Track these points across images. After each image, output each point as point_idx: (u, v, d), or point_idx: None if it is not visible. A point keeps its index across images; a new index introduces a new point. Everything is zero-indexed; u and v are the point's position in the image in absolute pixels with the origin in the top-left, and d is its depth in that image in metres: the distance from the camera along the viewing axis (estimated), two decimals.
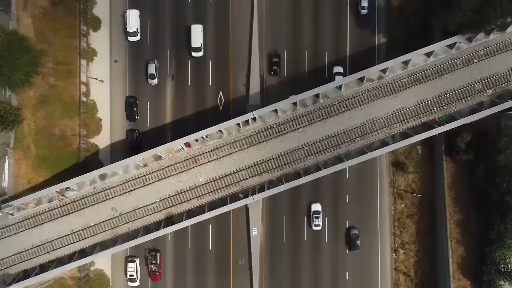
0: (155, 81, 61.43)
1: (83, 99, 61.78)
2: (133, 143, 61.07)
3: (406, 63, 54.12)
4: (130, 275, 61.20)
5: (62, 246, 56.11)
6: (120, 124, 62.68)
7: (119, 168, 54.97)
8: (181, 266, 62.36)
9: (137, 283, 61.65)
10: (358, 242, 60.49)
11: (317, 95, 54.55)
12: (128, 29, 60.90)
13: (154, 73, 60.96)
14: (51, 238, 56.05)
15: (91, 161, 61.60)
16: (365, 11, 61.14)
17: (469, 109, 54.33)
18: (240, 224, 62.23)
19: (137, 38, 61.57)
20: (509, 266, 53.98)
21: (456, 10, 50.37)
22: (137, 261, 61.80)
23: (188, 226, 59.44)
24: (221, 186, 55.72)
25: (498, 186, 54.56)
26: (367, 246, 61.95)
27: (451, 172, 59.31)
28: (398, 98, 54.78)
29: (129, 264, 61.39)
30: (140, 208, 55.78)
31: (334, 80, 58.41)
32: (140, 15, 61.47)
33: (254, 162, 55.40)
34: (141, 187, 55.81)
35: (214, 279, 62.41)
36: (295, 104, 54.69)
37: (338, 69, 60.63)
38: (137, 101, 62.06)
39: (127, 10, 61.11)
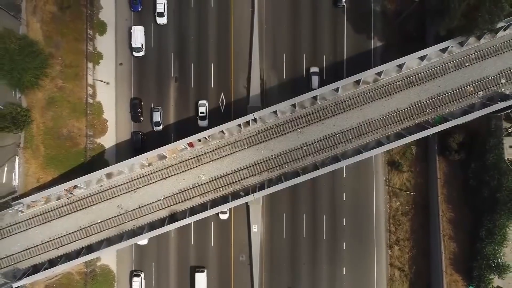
0: (159, 128, 63.14)
1: (90, 100, 63.33)
2: (137, 144, 62.65)
3: (400, 66, 55.24)
4: None
5: (70, 242, 57.33)
6: (125, 125, 64.20)
7: (124, 167, 56.24)
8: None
9: None
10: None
11: (315, 97, 55.73)
12: (133, 45, 62.61)
13: (159, 120, 62.64)
14: (60, 235, 57.29)
15: (97, 161, 63.06)
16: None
17: (461, 110, 55.37)
18: (241, 221, 63.60)
19: (142, 53, 63.28)
20: (499, 261, 55.57)
21: (446, 16, 51.72)
22: (142, 275, 63.26)
23: (191, 224, 61.06)
24: (222, 185, 56.72)
25: (488, 184, 56.03)
26: (363, 242, 63.41)
27: (444, 171, 60.54)
28: (393, 100, 55.91)
29: (134, 279, 62.85)
30: (145, 205, 56.95)
31: (310, 80, 61.97)
32: (144, 31, 63.21)
33: (254, 162, 56.52)
34: (146, 185, 56.92)
35: (215, 274, 63.84)
36: (294, 105, 55.81)
37: (314, 69, 62.77)
38: (142, 103, 63.67)
39: (132, 27, 62.84)
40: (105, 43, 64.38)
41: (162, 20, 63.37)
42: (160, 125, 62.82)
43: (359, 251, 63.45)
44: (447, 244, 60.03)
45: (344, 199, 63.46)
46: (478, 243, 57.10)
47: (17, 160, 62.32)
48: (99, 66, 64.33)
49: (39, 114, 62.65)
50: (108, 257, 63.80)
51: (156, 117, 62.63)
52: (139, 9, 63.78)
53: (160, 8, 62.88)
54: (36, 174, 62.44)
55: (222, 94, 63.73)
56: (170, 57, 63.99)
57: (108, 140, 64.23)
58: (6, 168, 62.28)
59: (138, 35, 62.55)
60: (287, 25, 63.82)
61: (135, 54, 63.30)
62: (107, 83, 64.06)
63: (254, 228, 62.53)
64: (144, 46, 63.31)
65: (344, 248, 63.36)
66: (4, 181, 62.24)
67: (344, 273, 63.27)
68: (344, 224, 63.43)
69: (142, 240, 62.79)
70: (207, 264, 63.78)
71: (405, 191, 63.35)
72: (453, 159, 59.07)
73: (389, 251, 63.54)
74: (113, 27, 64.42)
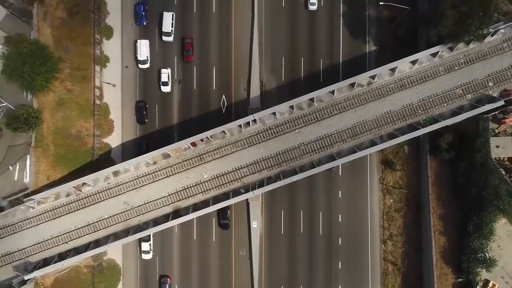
0: None
1: (97, 102, 65.38)
2: (142, 153, 62.10)
3: (393, 70, 57.32)
4: None
5: (79, 237, 59.64)
6: (130, 125, 66.33)
7: (131, 166, 58.49)
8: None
9: None
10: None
11: (312, 99, 57.83)
12: (139, 58, 64.63)
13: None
14: (69, 230, 59.57)
15: (104, 159, 65.13)
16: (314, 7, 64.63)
17: (451, 112, 57.55)
18: (241, 217, 65.67)
19: (147, 65, 65.35)
20: (486, 255, 57.65)
21: (439, 24, 53.87)
22: None
23: (193, 219, 63.33)
24: (224, 182, 58.94)
25: (476, 182, 58.19)
26: (358, 238, 65.49)
27: (435, 169, 62.39)
28: (386, 102, 58.04)
29: None
30: (150, 202, 59.17)
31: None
32: (149, 44, 65.17)
33: (254, 160, 58.67)
34: (151, 183, 59.18)
35: (216, 269, 65.99)
36: (292, 107, 57.96)
37: None
38: (147, 105, 65.71)
39: (138, 40, 64.79)
40: (112, 47, 66.40)
41: (166, 89, 65.27)
42: None
43: (354, 246, 65.41)
44: (438, 239, 61.88)
45: (340, 196, 65.42)
46: (466, 237, 59.06)
47: (28, 159, 64.19)
48: (106, 69, 66.34)
49: (49, 115, 64.74)
50: (114, 252, 65.84)
51: None
52: (144, 23, 65.68)
53: (164, 78, 64.74)
54: (47, 172, 64.46)
55: (223, 96, 65.76)
56: (173, 61, 66.06)
57: (114, 140, 66.28)
58: (18, 167, 64.31)
59: (143, 49, 64.40)
60: (286, 30, 65.76)
61: (140, 66, 65.29)
62: (114, 85, 66.12)
63: (254, 224, 64.43)
64: (149, 59, 65.15)
65: (339, 243, 65.37)
66: (16, 179, 64.31)
67: (339, 267, 65.29)
68: (340, 220, 65.44)
69: (147, 255, 65.08)
70: (209, 257, 65.96)
71: (398, 189, 65.29)
72: (443, 158, 60.95)
73: (383, 246, 65.52)
74: (119, 31, 66.45)
